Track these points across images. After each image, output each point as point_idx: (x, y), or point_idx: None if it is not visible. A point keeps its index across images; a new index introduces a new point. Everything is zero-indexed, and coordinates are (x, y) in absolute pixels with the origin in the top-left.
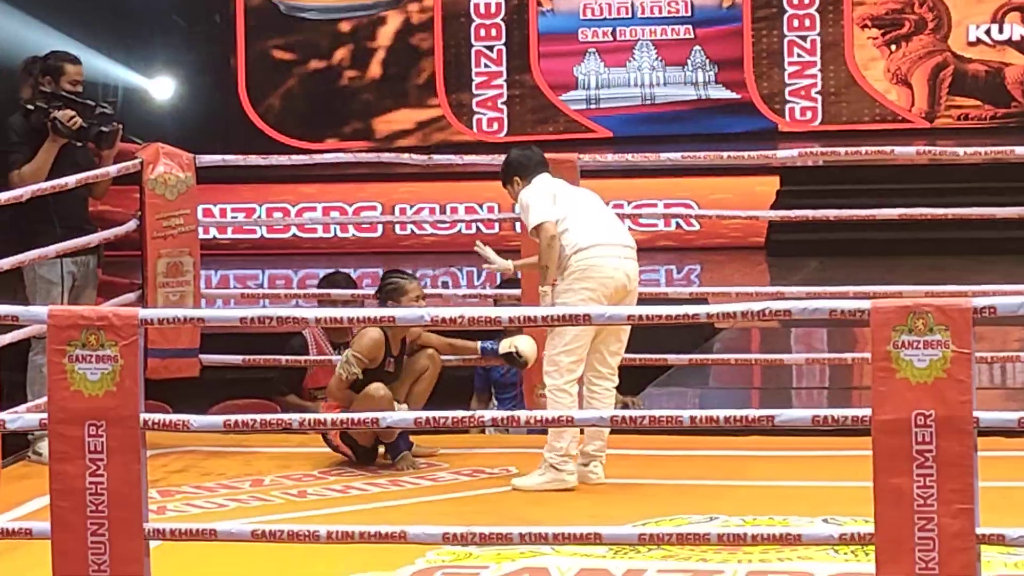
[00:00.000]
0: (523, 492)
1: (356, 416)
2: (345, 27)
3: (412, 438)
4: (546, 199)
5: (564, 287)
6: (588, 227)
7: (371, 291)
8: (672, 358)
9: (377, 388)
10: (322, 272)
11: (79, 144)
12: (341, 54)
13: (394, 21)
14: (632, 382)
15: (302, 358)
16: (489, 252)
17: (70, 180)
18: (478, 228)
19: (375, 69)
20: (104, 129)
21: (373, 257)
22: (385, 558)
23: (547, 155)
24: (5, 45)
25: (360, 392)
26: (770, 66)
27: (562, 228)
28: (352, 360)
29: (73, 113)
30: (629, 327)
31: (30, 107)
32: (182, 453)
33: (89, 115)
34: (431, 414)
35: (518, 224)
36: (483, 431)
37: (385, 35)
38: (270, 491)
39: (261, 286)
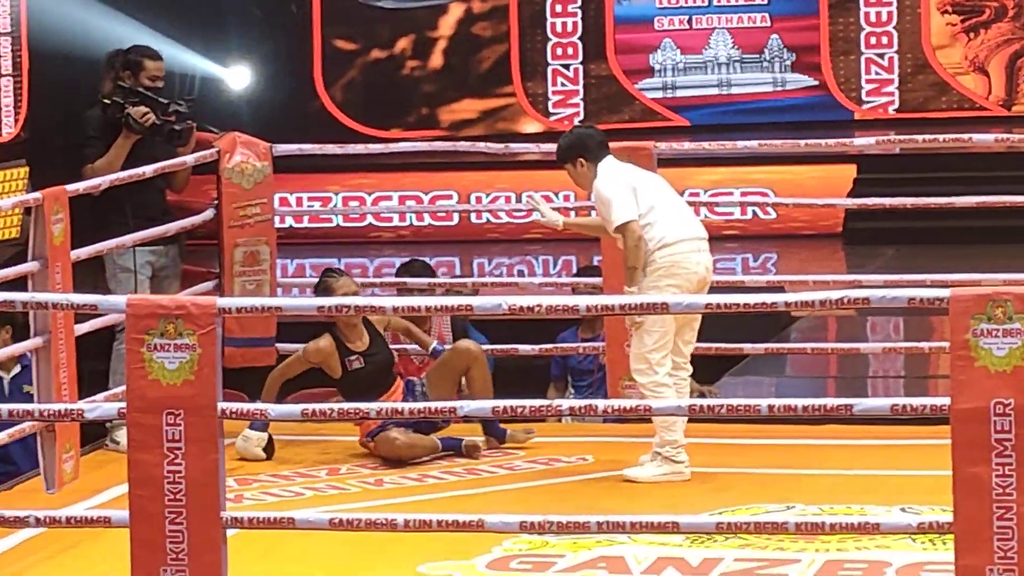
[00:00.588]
0: (633, 483)
1: (433, 406)
2: (414, 16)
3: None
4: (627, 193)
5: (649, 284)
6: (672, 220)
7: (448, 280)
8: (748, 347)
9: (395, 434)
10: (398, 261)
11: (157, 139)
12: (410, 43)
13: (456, 10)
14: (708, 371)
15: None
16: (541, 204)
17: (147, 170)
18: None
19: (437, 59)
20: (176, 127)
21: (449, 246)
22: (461, 547)
23: (623, 143)
24: (86, 37)
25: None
26: (847, 53)
27: (645, 221)
28: (294, 359)
29: (147, 110)
30: (699, 316)
31: (106, 101)
32: None
33: (163, 112)
34: (508, 403)
35: (594, 212)
36: (559, 419)
37: (447, 24)
38: (346, 480)
39: None
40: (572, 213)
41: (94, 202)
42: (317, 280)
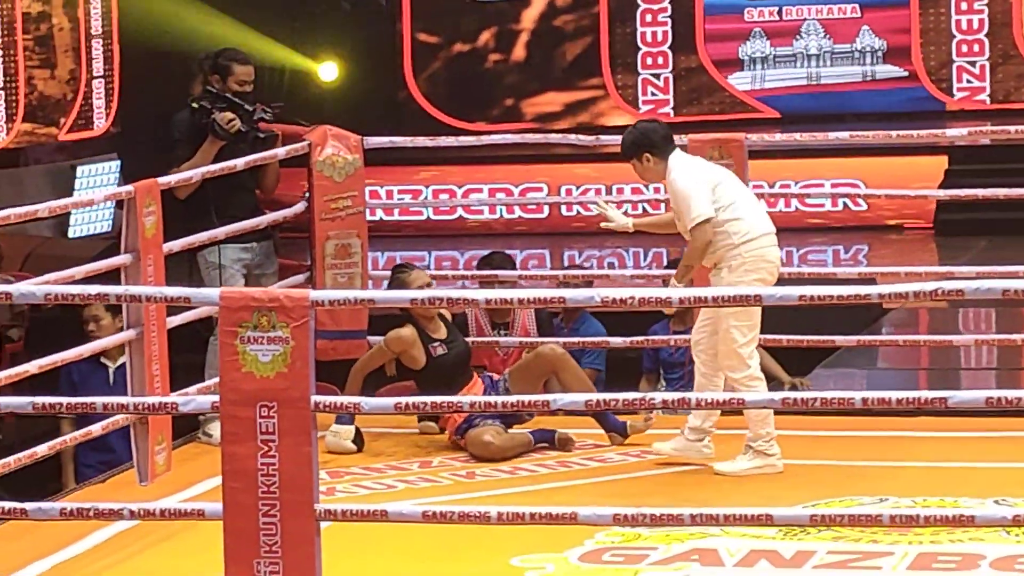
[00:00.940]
0: (726, 476)
1: (525, 399)
2: (500, 8)
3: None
4: (706, 190)
5: (735, 278)
6: (755, 214)
7: (536, 272)
8: (840, 339)
9: (489, 435)
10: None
11: (241, 146)
12: (493, 36)
13: (540, 3)
14: (800, 363)
15: (470, 339)
16: (608, 208)
17: (238, 162)
18: (644, 208)
19: (521, 51)
20: (260, 135)
21: (539, 238)
22: (553, 539)
23: (714, 135)
24: (176, 33)
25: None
26: (938, 44)
27: (728, 216)
28: (377, 349)
29: (233, 116)
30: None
31: (194, 105)
32: None
33: (249, 119)
34: (602, 396)
35: (663, 206)
36: (651, 412)
37: (530, 17)
38: (438, 472)
39: (427, 268)
40: (662, 206)
41: (181, 205)
42: (390, 276)
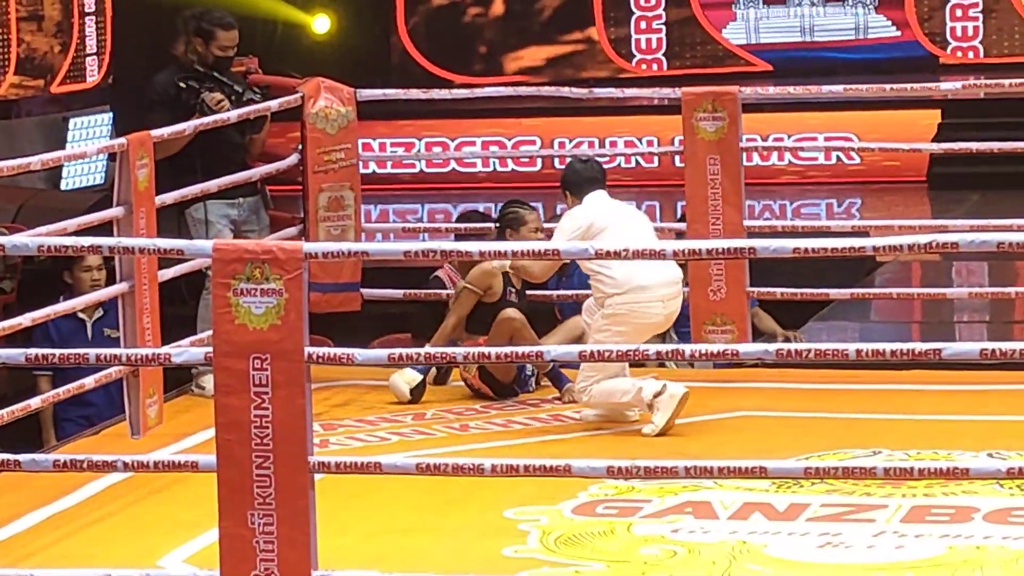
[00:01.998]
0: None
1: (519, 349)
2: None
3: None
4: (578, 232)
5: (599, 325)
6: (635, 268)
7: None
8: (834, 292)
9: (511, 311)
10: (482, 207)
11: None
12: None
13: None
14: (793, 316)
15: (443, 291)
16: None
17: (231, 115)
18: (637, 162)
19: (499, 6)
20: (251, 117)
21: (531, 192)
22: (547, 492)
23: (708, 88)
24: None
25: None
26: None
27: (599, 267)
28: (463, 292)
29: (221, 97)
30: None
31: (181, 84)
32: (343, 387)
33: (238, 100)
34: (597, 347)
35: (678, 158)
36: (662, 365)
37: None
38: (432, 425)
39: (420, 221)
40: (656, 159)
41: (168, 163)
42: (502, 209)
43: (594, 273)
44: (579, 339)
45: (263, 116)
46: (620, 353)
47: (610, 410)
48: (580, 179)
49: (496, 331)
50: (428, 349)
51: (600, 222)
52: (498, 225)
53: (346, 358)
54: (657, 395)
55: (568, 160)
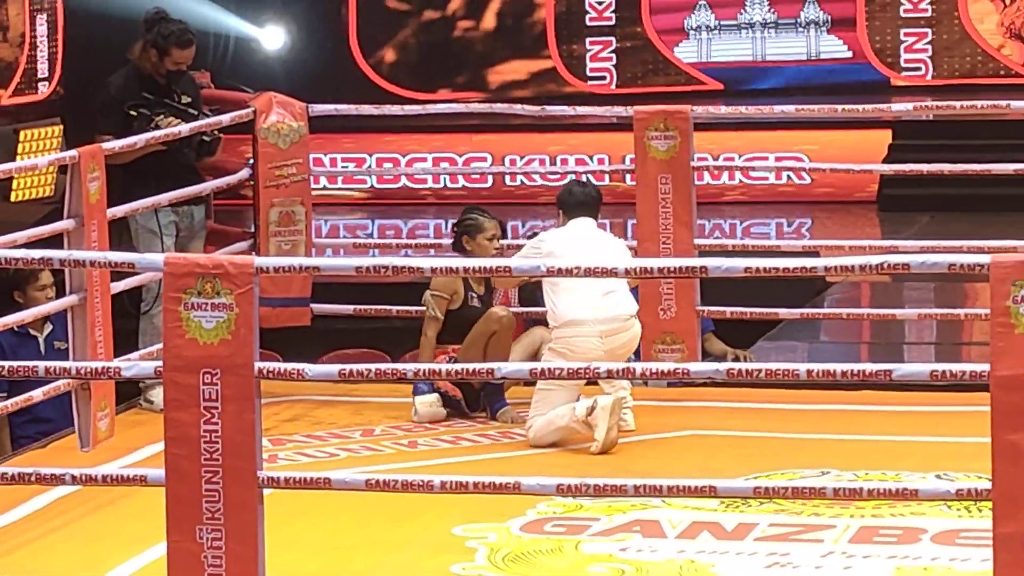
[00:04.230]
0: (621, 445)
1: (469, 367)
2: None
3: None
4: (535, 254)
5: (545, 353)
6: (573, 302)
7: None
8: (783, 312)
9: (499, 310)
10: (432, 223)
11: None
12: (455, 4)
13: None
14: (742, 336)
15: (413, 308)
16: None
17: (183, 128)
18: (588, 179)
19: (489, 20)
20: (206, 138)
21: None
22: (495, 509)
23: (659, 107)
24: None
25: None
26: (883, 19)
27: (553, 294)
28: (431, 301)
29: (177, 122)
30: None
31: (132, 112)
32: (292, 402)
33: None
34: (547, 365)
35: (629, 176)
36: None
37: None
38: (381, 441)
39: (371, 236)
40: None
41: (119, 170)
42: (461, 216)
43: (548, 295)
44: (537, 351)
45: (217, 139)
46: (571, 371)
47: (559, 437)
48: (572, 201)
49: (479, 327)
50: (385, 365)
51: (561, 252)
52: (456, 230)
53: (296, 373)
54: (590, 411)
55: (565, 184)
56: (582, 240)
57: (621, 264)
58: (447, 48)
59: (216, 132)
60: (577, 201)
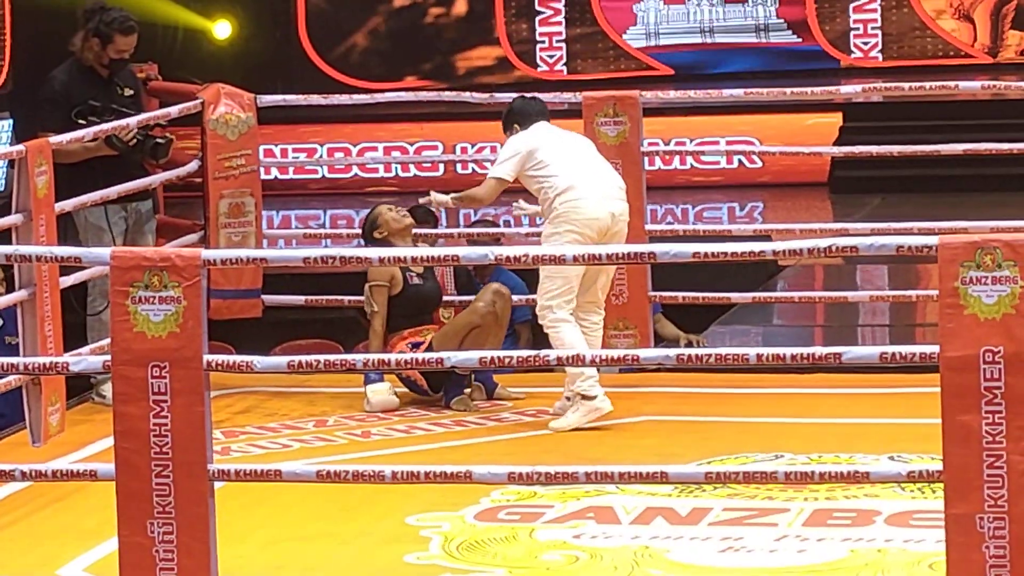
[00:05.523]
0: (574, 432)
1: (420, 356)
2: None
3: (497, 379)
4: (517, 159)
5: (550, 230)
6: (570, 171)
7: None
8: (735, 296)
9: (482, 307)
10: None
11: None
12: None
13: None
14: (696, 320)
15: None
16: (431, 194)
17: (131, 121)
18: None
19: (460, 6)
20: (159, 141)
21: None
22: (449, 498)
23: (609, 92)
24: None
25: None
26: (832, 2)
27: (546, 173)
28: (369, 294)
29: (132, 129)
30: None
31: (81, 121)
32: (245, 394)
33: (144, 127)
34: (498, 353)
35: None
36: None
37: None
38: (334, 432)
39: (323, 226)
40: None
41: (65, 169)
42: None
43: (539, 181)
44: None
45: (169, 142)
46: (521, 359)
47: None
48: (531, 110)
49: (463, 317)
50: (335, 356)
51: (542, 147)
52: (363, 231)
53: (245, 365)
54: (587, 398)
55: (514, 99)
56: (557, 133)
57: (568, 251)
58: (412, 36)
59: (168, 135)
60: (536, 110)
